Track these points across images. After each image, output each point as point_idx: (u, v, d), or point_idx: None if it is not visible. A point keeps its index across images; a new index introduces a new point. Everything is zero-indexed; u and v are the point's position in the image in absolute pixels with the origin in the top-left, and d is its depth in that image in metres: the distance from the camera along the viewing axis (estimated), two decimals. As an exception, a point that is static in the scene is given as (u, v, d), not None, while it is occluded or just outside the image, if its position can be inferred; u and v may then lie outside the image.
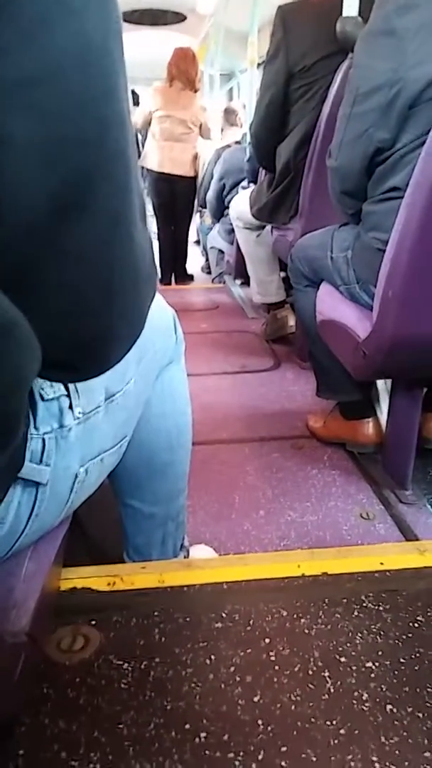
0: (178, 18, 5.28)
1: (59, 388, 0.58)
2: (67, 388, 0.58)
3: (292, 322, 2.45)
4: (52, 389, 0.57)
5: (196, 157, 3.70)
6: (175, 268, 4.05)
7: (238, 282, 3.53)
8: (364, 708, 0.68)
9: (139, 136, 3.98)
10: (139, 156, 3.85)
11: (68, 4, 0.39)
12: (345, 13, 1.70)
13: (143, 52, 5.40)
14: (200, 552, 1.13)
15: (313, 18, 1.80)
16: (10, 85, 0.38)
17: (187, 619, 0.80)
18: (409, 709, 0.68)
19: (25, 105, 0.39)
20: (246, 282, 3.18)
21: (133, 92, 4.62)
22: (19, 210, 0.42)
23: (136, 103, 3.90)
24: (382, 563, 0.92)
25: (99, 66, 0.43)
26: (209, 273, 4.28)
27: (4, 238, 0.43)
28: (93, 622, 0.79)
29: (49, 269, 0.47)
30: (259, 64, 3.73)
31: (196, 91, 3.61)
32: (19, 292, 0.42)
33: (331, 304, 1.41)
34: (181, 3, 4.96)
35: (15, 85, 0.38)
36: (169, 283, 4.03)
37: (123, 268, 0.53)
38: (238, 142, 3.68)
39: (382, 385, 1.55)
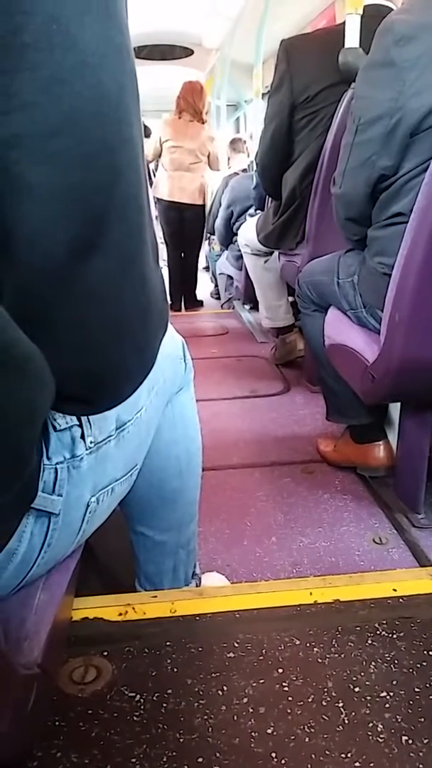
0: (185, 52, 5.43)
1: (71, 418, 0.58)
2: (79, 419, 0.59)
3: (301, 346, 2.46)
4: (64, 420, 0.58)
5: (203, 186, 3.78)
6: (184, 295, 4.10)
7: (247, 307, 3.56)
8: (379, 739, 0.67)
9: (151, 167, 4.08)
10: (151, 185, 3.94)
11: (86, 60, 0.41)
12: (347, 45, 1.74)
13: (153, 85, 5.55)
14: (212, 580, 1.12)
15: (315, 50, 1.85)
16: (32, 137, 0.40)
17: (200, 648, 0.80)
18: (425, 741, 0.67)
19: (45, 155, 0.41)
20: (255, 307, 3.20)
21: (143, 125, 4.74)
22: (37, 254, 0.44)
23: (147, 135, 4.00)
24: (395, 589, 0.92)
25: (114, 116, 0.45)
26: (218, 298, 4.32)
27: (22, 280, 0.45)
28: (105, 653, 0.79)
29: (62, 308, 0.48)
30: (264, 95, 3.82)
31: (203, 123, 3.71)
32: (32, 329, 0.43)
33: (339, 329, 1.42)
34: (189, 38, 5.10)
35: (37, 137, 0.40)
36: (179, 309, 4.07)
37: (134, 307, 0.54)
38: (244, 170, 3.75)
39: (394, 408, 1.54)
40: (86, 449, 0.60)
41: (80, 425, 0.59)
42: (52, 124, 0.41)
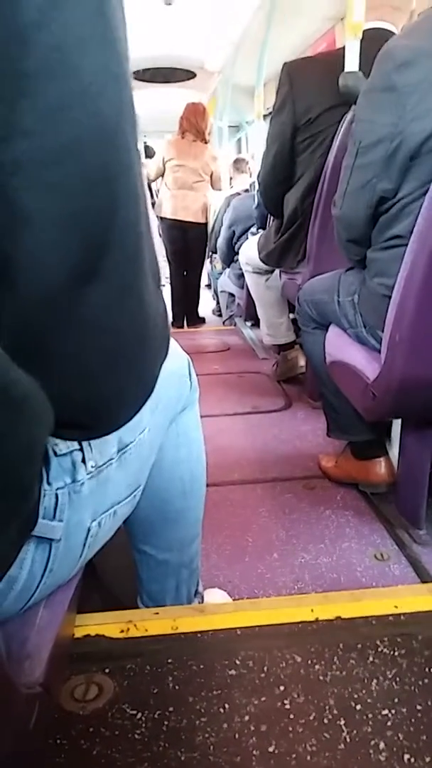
0: (188, 75, 5.52)
1: (72, 443, 0.58)
2: (80, 443, 0.59)
3: (302, 362, 2.48)
4: (65, 444, 0.58)
5: (206, 205, 3.83)
6: (187, 312, 4.13)
7: (249, 324, 3.58)
8: (381, 758, 0.67)
9: (153, 187, 4.14)
10: (153, 206, 3.99)
11: (86, 88, 0.42)
12: (346, 69, 1.78)
13: (156, 107, 5.63)
14: (214, 596, 1.12)
15: (317, 73, 1.89)
16: (33, 165, 0.41)
17: (201, 666, 0.80)
18: (427, 759, 0.67)
19: (45, 184, 0.42)
20: (256, 324, 3.22)
21: (146, 145, 4.83)
22: (36, 281, 0.44)
23: (150, 156, 4.07)
24: (396, 606, 0.92)
25: (113, 145, 0.45)
26: (220, 315, 4.36)
27: (20, 307, 0.45)
28: (106, 671, 0.79)
29: (60, 335, 0.48)
30: (265, 116, 3.88)
31: (206, 142, 3.77)
32: (30, 356, 0.43)
33: (339, 346, 1.43)
34: (191, 61, 5.19)
35: (37, 164, 0.41)
36: (182, 326, 4.10)
37: (133, 333, 0.54)
38: (246, 190, 3.80)
39: (395, 424, 1.55)
40: (87, 473, 0.60)
41: (81, 449, 0.59)
42: (52, 151, 0.41)
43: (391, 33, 1.79)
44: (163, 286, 4.19)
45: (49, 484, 0.57)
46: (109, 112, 0.44)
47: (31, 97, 0.39)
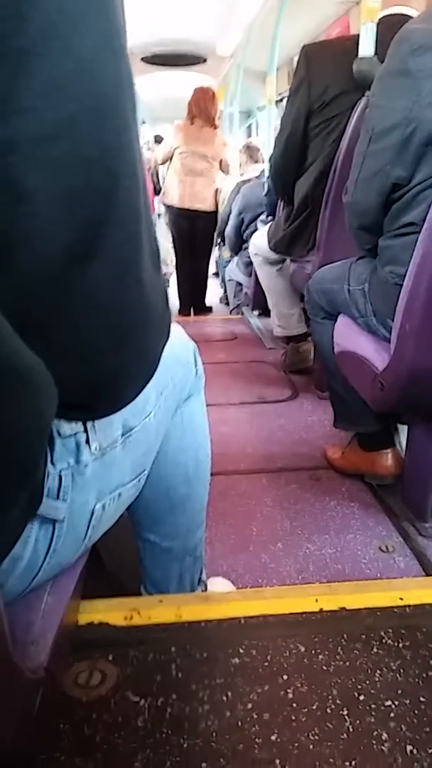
0: (199, 60, 5.46)
1: (77, 424, 0.58)
2: (84, 425, 0.59)
3: (313, 355, 2.46)
4: (69, 426, 0.58)
5: (217, 192, 3.79)
6: (194, 300, 4.11)
7: (256, 313, 3.56)
8: (384, 749, 0.67)
9: (161, 170, 4.09)
10: (158, 192, 3.95)
11: (84, 65, 0.41)
12: (361, 54, 1.75)
13: (166, 92, 5.59)
14: (218, 585, 1.12)
15: (334, 56, 1.85)
16: (30, 142, 0.40)
17: (204, 654, 0.80)
18: (430, 751, 0.66)
19: (43, 160, 0.41)
20: (263, 313, 3.20)
21: (158, 137, 4.81)
22: (34, 259, 0.44)
23: (159, 141, 4.04)
24: (401, 598, 0.91)
25: (112, 122, 0.45)
26: (227, 304, 4.33)
27: (19, 286, 0.44)
28: (110, 658, 0.79)
29: (59, 313, 0.48)
30: (277, 102, 3.83)
31: (215, 128, 3.72)
32: (30, 335, 0.43)
33: (348, 336, 1.42)
34: (202, 46, 5.13)
35: (35, 142, 0.40)
36: (189, 315, 4.08)
37: (132, 312, 0.54)
38: (257, 177, 3.76)
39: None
40: (91, 455, 0.60)
41: (85, 431, 0.59)
42: (50, 128, 0.41)
43: (409, 17, 1.76)
44: (169, 273, 4.17)
45: (53, 464, 0.57)
46: (107, 89, 0.44)
47: (28, 75, 0.39)
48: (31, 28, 0.38)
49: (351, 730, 0.69)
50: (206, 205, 3.77)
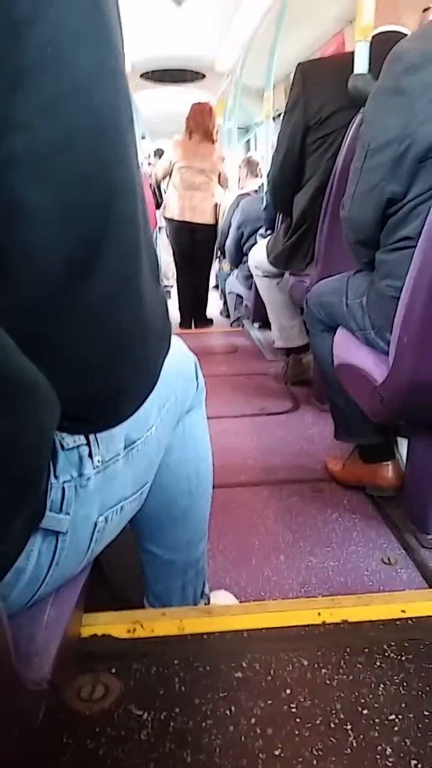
0: (197, 76, 5.52)
1: (79, 437, 0.59)
2: (87, 438, 0.59)
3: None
4: (72, 439, 0.58)
5: (216, 206, 3.83)
6: (195, 313, 4.13)
7: (257, 325, 3.57)
8: (388, 763, 0.67)
9: (162, 185, 4.13)
10: (159, 206, 3.99)
11: (81, 82, 0.42)
12: (355, 71, 1.78)
13: (165, 108, 5.65)
14: (220, 598, 1.12)
15: (329, 73, 1.88)
16: (28, 159, 0.41)
17: (207, 668, 0.80)
18: (434, 765, 0.66)
19: (41, 176, 0.42)
20: (264, 325, 3.21)
21: (159, 150, 4.85)
22: (34, 274, 0.45)
23: (159, 155, 4.09)
24: (403, 611, 0.91)
25: (109, 137, 0.45)
26: (228, 317, 4.35)
27: (18, 300, 0.45)
28: (113, 671, 0.79)
29: (59, 328, 0.48)
30: (274, 118, 3.87)
31: (213, 142, 3.77)
32: (29, 350, 0.44)
33: (347, 348, 1.43)
34: (201, 62, 5.19)
35: (33, 159, 0.41)
36: (189, 327, 4.10)
37: (132, 326, 0.54)
38: (256, 191, 3.79)
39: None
40: (94, 468, 0.61)
41: (88, 444, 0.60)
42: (48, 145, 0.42)
43: (403, 35, 1.79)
44: (170, 286, 4.19)
45: (56, 477, 0.58)
46: (104, 106, 0.44)
47: (26, 92, 0.40)
48: (30, 47, 0.39)
49: (355, 744, 0.69)
50: (206, 219, 3.81)
